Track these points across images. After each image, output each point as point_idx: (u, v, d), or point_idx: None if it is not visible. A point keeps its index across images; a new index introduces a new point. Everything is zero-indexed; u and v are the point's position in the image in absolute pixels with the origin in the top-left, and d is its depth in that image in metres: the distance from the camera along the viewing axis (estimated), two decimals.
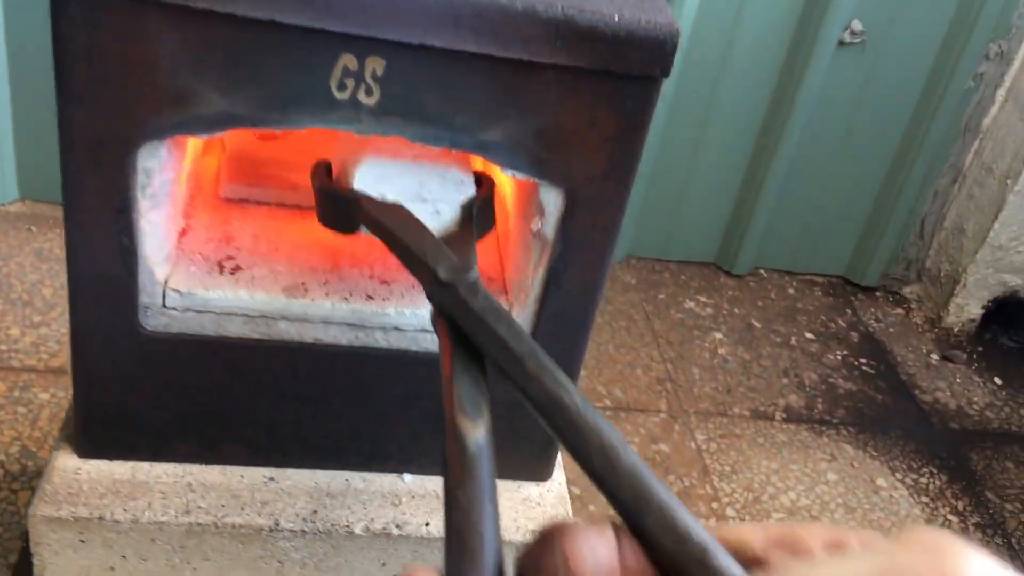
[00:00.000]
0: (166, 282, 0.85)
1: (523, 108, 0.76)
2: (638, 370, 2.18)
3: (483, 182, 0.88)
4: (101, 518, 0.86)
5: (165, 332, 0.85)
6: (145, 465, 0.92)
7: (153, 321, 0.85)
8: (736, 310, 2.55)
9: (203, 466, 0.93)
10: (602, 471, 0.43)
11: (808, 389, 2.37)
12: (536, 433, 0.96)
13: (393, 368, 0.90)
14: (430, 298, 0.63)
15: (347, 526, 0.91)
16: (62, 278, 2.17)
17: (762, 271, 2.69)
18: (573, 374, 0.91)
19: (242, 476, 0.93)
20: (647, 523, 0.38)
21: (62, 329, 2.05)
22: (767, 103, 2.28)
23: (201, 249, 0.90)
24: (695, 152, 2.32)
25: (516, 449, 0.97)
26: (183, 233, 0.91)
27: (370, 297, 0.89)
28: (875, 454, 2.21)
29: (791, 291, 2.69)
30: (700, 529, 0.37)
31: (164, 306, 0.85)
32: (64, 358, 1.96)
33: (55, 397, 1.90)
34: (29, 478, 1.78)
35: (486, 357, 0.57)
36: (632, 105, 0.76)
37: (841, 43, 2.27)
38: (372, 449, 0.95)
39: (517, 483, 0.99)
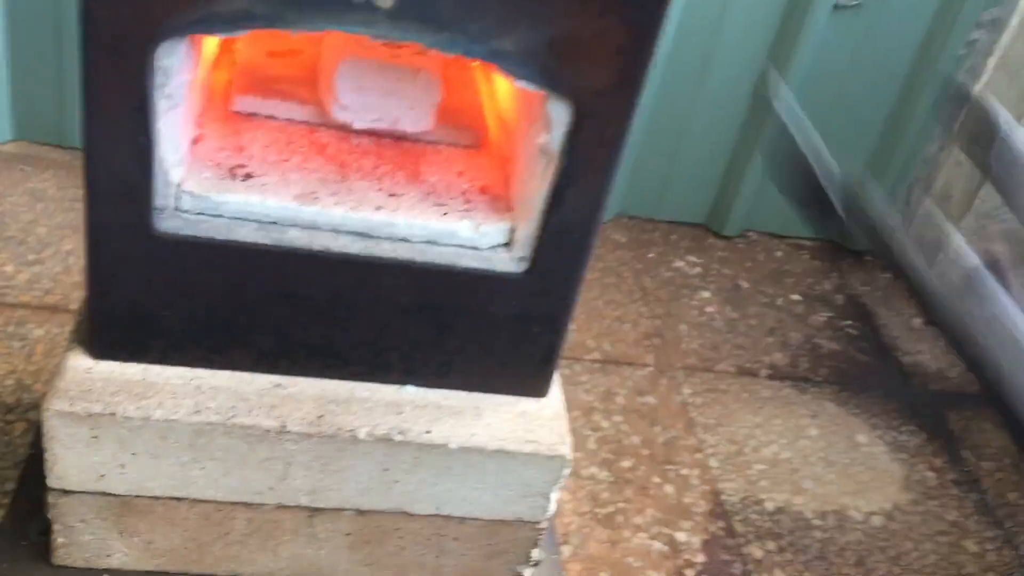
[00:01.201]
0: (180, 185, 0.87)
1: (536, 16, 0.78)
2: (626, 325, 2.20)
3: None
4: (113, 414, 0.89)
5: (178, 234, 0.87)
6: (155, 367, 0.94)
7: (166, 223, 0.87)
8: (725, 270, 2.57)
9: (212, 371, 0.96)
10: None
11: (793, 348, 2.40)
12: (535, 350, 0.99)
13: (399, 278, 0.92)
14: None
15: (351, 431, 0.94)
16: (57, 218, 2.17)
17: (752, 233, 2.71)
18: (572, 294, 0.94)
19: (250, 381, 0.96)
20: None
21: (56, 268, 2.05)
22: (761, 67, 2.29)
23: (213, 157, 0.92)
24: (688, 113, 2.33)
25: (515, 365, 0.99)
26: (195, 141, 0.93)
27: (379, 207, 0.92)
28: (856, 412, 2.24)
29: (779, 254, 2.71)
30: None
31: (177, 209, 0.87)
32: (59, 295, 1.97)
33: (50, 333, 1.91)
34: (24, 410, 1.79)
35: None
36: (641, 16, 0.78)
37: (837, 6, 2.28)
38: (375, 359, 0.97)
39: (516, 398, 1.01)
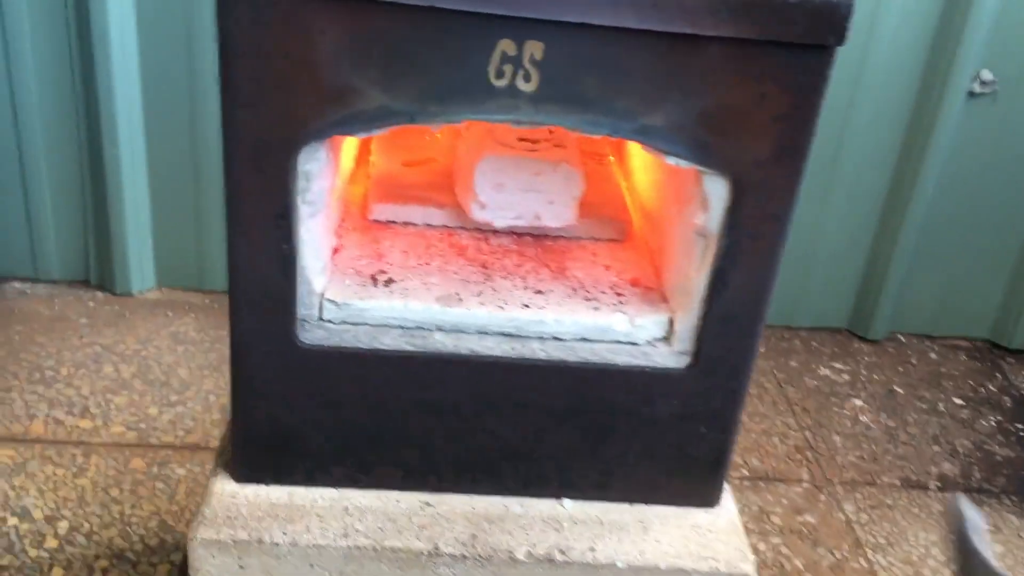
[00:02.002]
0: (322, 294, 0.84)
1: (686, 88, 0.73)
2: (774, 438, 2.08)
3: None
4: (260, 541, 0.84)
5: (322, 346, 0.84)
6: (301, 490, 0.90)
7: (310, 335, 0.84)
8: (875, 376, 2.43)
9: (358, 491, 0.90)
10: None
11: (963, 457, 2.22)
12: (702, 453, 0.90)
13: (551, 380, 0.86)
14: None
15: (508, 551, 0.86)
16: (198, 359, 2.22)
17: (900, 336, 2.56)
18: (742, 388, 0.86)
19: (398, 500, 0.90)
20: None
21: (197, 407, 2.09)
22: (896, 157, 2.20)
23: (354, 265, 0.89)
24: (821, 211, 2.25)
25: (681, 471, 0.91)
26: (335, 251, 0.90)
27: (526, 306, 0.86)
28: None
29: (933, 356, 2.55)
30: None
31: (321, 318, 0.84)
32: (200, 434, 1.99)
33: (191, 472, 1.92)
34: (167, 552, 1.78)
35: None
36: (803, 79, 0.72)
37: (971, 93, 2.19)
38: (529, 470, 0.90)
39: (684, 509, 0.92)
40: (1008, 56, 2.15)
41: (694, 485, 0.92)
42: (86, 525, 1.78)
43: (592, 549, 0.87)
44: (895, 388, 2.39)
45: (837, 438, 2.13)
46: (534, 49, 0.71)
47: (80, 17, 2.07)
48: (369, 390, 0.86)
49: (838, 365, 2.45)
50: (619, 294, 0.90)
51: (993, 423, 2.28)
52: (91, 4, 2.00)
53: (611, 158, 1.12)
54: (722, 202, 0.78)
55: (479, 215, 0.94)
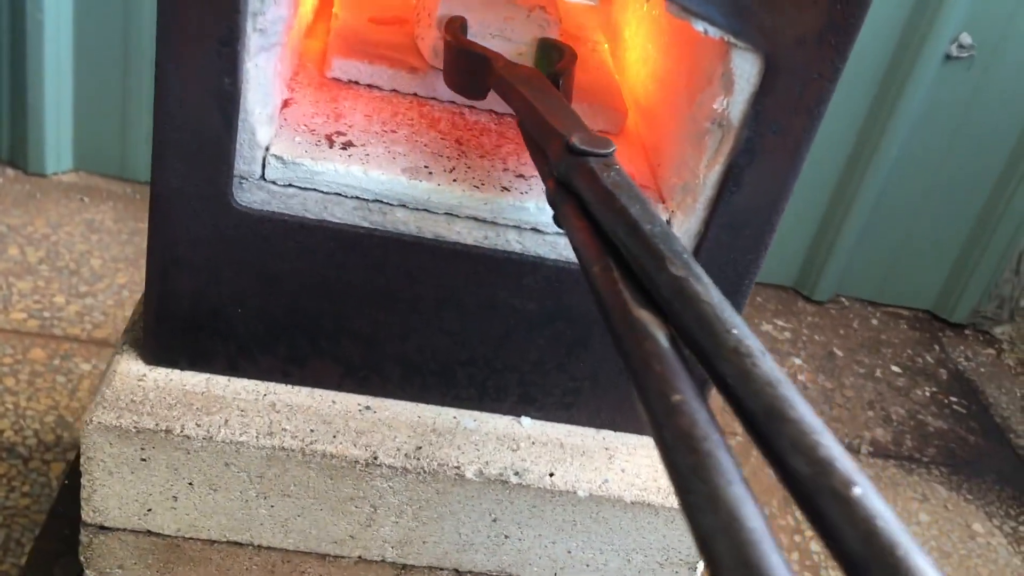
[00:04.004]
0: (268, 148, 0.70)
1: None
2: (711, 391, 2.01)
3: (564, 51, 0.77)
4: (169, 431, 0.71)
5: (261, 210, 0.70)
6: (221, 379, 0.77)
7: (248, 196, 0.70)
8: (816, 337, 2.39)
9: (288, 387, 0.78)
10: (734, 378, 0.37)
11: (895, 424, 2.20)
12: None
13: (525, 278, 0.74)
14: (554, 172, 0.53)
15: (456, 467, 0.75)
16: (112, 250, 2.06)
17: (843, 299, 2.53)
18: (741, 303, 0.76)
19: (334, 401, 0.78)
20: (781, 444, 0.34)
21: (108, 301, 1.94)
22: (863, 117, 2.13)
23: (307, 122, 0.76)
24: None
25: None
26: (285, 105, 0.76)
27: (505, 189, 0.74)
28: (970, 497, 2.03)
29: (874, 322, 2.53)
30: (844, 458, 0.32)
31: (263, 178, 0.71)
32: (109, 330, 1.84)
33: (97, 369, 1.78)
34: (63, 449, 1.64)
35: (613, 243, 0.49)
36: None
37: (948, 57, 2.12)
38: (487, 380, 0.79)
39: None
40: (989, 21, 2.08)
41: None
42: None
43: (551, 474, 0.76)
44: (835, 351, 2.35)
45: None
46: None
47: None
48: (312, 269, 0.73)
49: (780, 322, 2.41)
50: None
51: (928, 394, 2.27)
52: None
53: (605, 46, 1.00)
54: (750, 85, 0.67)
55: (436, 59, 0.83)
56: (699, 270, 0.43)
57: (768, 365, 0.35)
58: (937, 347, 2.46)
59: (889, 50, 2.03)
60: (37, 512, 1.56)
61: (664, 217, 0.75)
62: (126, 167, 2.22)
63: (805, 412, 0.34)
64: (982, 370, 2.44)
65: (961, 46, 2.12)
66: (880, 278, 2.46)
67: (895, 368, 2.36)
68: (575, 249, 0.51)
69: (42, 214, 2.08)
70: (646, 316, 0.42)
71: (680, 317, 0.40)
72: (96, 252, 2.05)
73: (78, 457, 0.75)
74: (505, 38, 0.83)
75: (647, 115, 0.87)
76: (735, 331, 0.38)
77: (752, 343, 0.37)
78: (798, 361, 2.25)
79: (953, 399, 2.30)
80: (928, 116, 2.15)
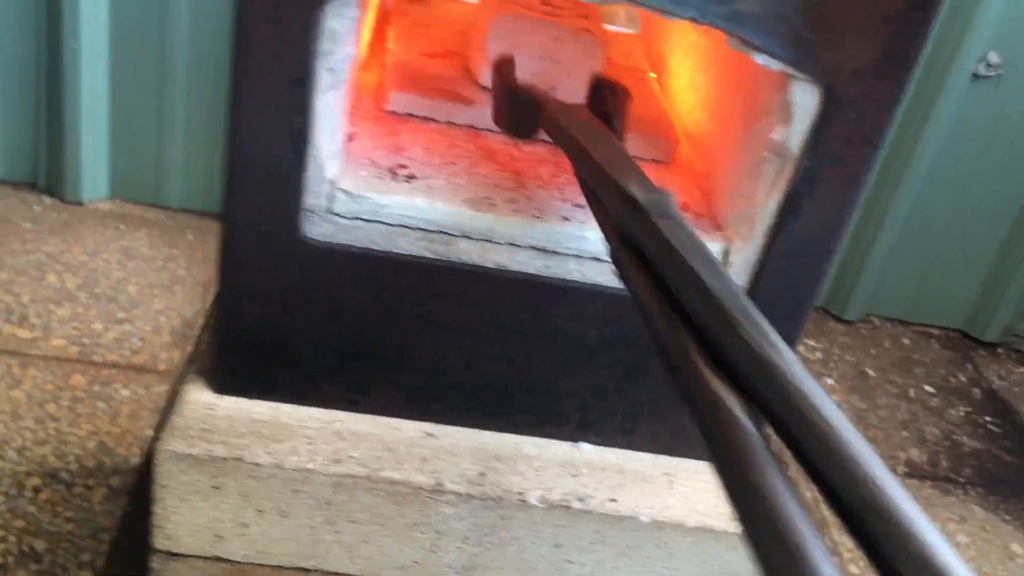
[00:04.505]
0: (334, 182, 0.72)
1: None
2: None
3: (617, 91, 0.77)
4: (240, 459, 0.72)
5: (328, 243, 0.72)
6: (287, 407, 0.78)
7: (316, 229, 0.72)
8: (848, 357, 2.38)
9: (353, 415, 0.79)
10: (817, 455, 0.35)
11: (931, 444, 2.19)
12: None
13: (585, 306, 0.75)
14: (615, 224, 0.52)
15: (520, 493, 0.76)
16: (148, 277, 2.09)
17: (874, 318, 2.52)
18: (798, 330, 0.76)
19: (398, 429, 0.79)
20: (881, 542, 0.32)
21: (146, 327, 1.96)
22: (891, 137, 2.13)
23: (369, 155, 0.77)
24: None
25: None
26: (348, 139, 0.78)
27: (565, 219, 0.76)
28: (1008, 518, 2.01)
29: (906, 341, 2.52)
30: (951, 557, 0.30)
31: (330, 211, 0.72)
32: (147, 355, 1.86)
33: (136, 394, 1.80)
34: (105, 475, 1.65)
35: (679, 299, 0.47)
36: None
37: (975, 76, 2.12)
38: (547, 407, 0.80)
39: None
40: (1017, 40, 2.08)
41: None
42: (18, 440, 1.65)
43: (613, 499, 0.77)
44: (867, 370, 2.35)
45: None
46: None
47: None
48: (378, 299, 0.74)
49: (811, 342, 2.40)
50: None
51: (962, 413, 2.25)
52: None
53: (652, 75, 1.01)
54: (809, 116, 0.68)
55: (487, 78, 0.84)
56: (775, 337, 0.42)
57: (856, 445, 0.34)
58: (970, 366, 2.45)
59: (917, 69, 2.03)
60: (81, 537, 1.58)
61: (721, 246, 0.77)
62: (160, 195, 2.25)
63: (911, 510, 0.32)
64: (1015, 389, 2.42)
65: (989, 65, 2.12)
66: (911, 297, 2.45)
67: (928, 388, 2.35)
68: (640, 307, 0.50)
69: (79, 242, 2.11)
70: (725, 392, 0.40)
71: (760, 391, 0.39)
72: (133, 279, 2.08)
73: (134, 484, 0.76)
74: (554, 60, 0.85)
75: (698, 144, 0.89)
76: (822, 409, 0.36)
77: (839, 422, 0.36)
78: (830, 381, 2.25)
79: (987, 419, 2.28)
80: (956, 135, 2.15)
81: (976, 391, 2.35)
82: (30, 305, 1.94)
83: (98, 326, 1.93)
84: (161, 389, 1.79)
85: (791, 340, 0.76)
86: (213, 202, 2.19)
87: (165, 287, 2.08)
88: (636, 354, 0.77)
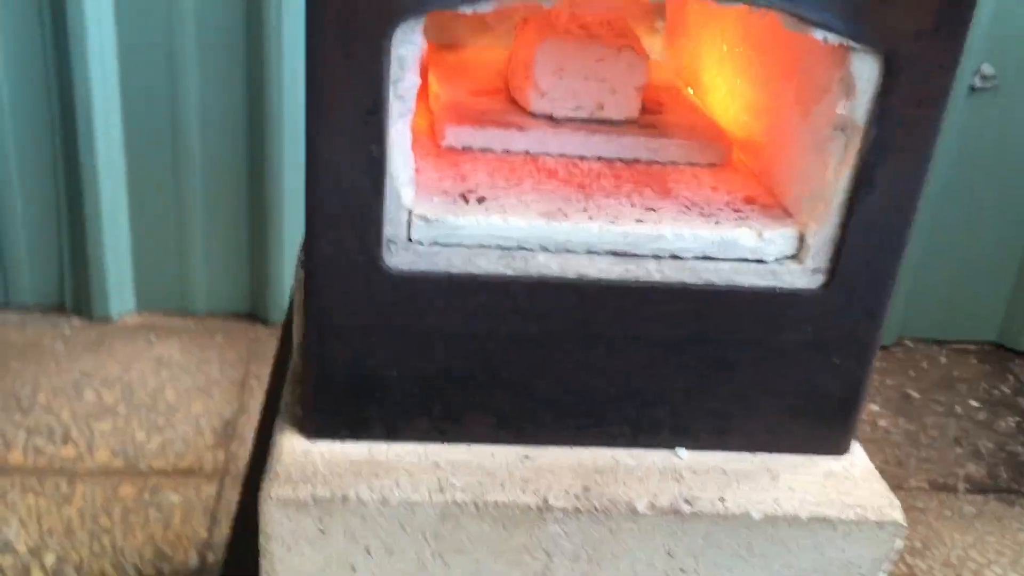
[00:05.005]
0: (411, 210, 0.73)
1: None
2: None
3: None
4: (345, 498, 0.71)
5: (409, 271, 0.72)
6: (381, 446, 0.77)
7: (397, 258, 0.72)
8: (888, 381, 2.37)
9: (445, 445, 0.78)
10: None
11: (987, 458, 2.16)
12: (834, 390, 0.80)
13: (669, 306, 0.75)
14: None
15: (628, 502, 0.75)
16: (184, 382, 2.09)
17: (907, 340, 2.52)
18: (883, 308, 0.76)
19: (492, 454, 0.78)
20: None
21: (187, 430, 1.96)
22: None
23: (437, 185, 0.78)
24: None
25: (809, 412, 0.80)
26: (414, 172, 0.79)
27: (639, 220, 0.76)
28: None
29: (943, 360, 2.51)
30: None
31: (409, 239, 0.73)
32: (192, 459, 1.85)
33: (186, 498, 1.78)
34: None
35: None
36: None
37: (972, 89, 2.16)
38: (640, 415, 0.79)
39: (810, 458, 0.82)
40: (1008, 50, 2.12)
41: (823, 429, 0.81)
42: (75, 556, 1.63)
43: (722, 499, 0.76)
44: (909, 392, 2.33)
45: (858, 444, 2.05)
46: None
47: (56, 24, 1.97)
48: (461, 323, 0.74)
49: None
50: (737, 210, 0.80)
51: (1012, 424, 2.23)
52: (68, 9, 1.90)
53: (689, 90, 1.03)
54: (871, 85, 0.69)
55: (538, 104, 0.87)
56: None
57: None
58: (1011, 376, 2.43)
59: None
60: None
61: (796, 231, 0.77)
62: (186, 302, 2.26)
63: None
64: None
65: (984, 77, 2.16)
66: (941, 315, 2.45)
67: (973, 403, 2.33)
68: None
69: (112, 356, 2.11)
70: None
71: None
72: (169, 386, 2.08)
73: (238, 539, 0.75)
74: (599, 79, 0.87)
75: (748, 146, 0.90)
76: None
77: None
78: (875, 407, 2.23)
79: None
80: (962, 149, 2.18)
81: (1021, 400, 2.34)
82: (72, 423, 1.94)
83: (140, 435, 1.92)
84: (210, 490, 1.77)
85: (877, 315, 0.76)
86: (238, 304, 2.20)
87: (201, 390, 2.07)
88: (719, 349, 0.77)
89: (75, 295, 2.22)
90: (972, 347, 2.55)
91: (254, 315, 2.25)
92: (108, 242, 2.12)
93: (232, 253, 2.15)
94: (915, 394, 2.35)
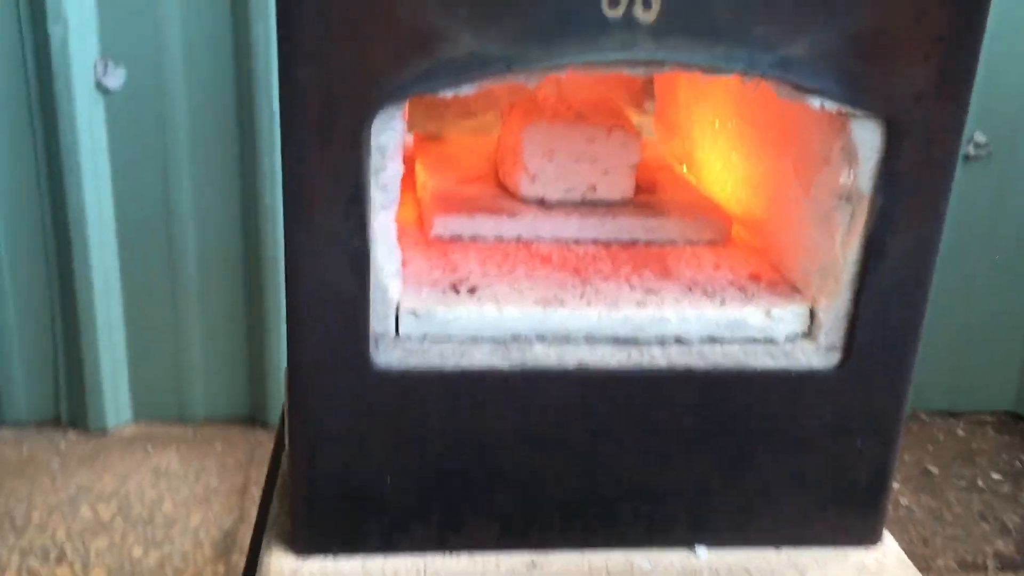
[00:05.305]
0: (398, 304, 0.69)
1: (834, 7, 0.62)
2: None
3: None
4: None
5: (399, 368, 0.68)
6: (376, 559, 0.72)
7: (385, 356, 0.68)
8: (906, 457, 2.31)
9: (446, 556, 0.73)
10: None
11: (1014, 533, 2.09)
12: (860, 475, 0.75)
13: (676, 393, 0.71)
14: None
15: None
16: (182, 492, 2.03)
17: (922, 414, 2.46)
18: (905, 385, 0.72)
19: (497, 564, 0.72)
20: None
21: (186, 544, 1.89)
22: None
23: (426, 277, 0.74)
24: None
25: (835, 501, 0.75)
26: (401, 264, 0.76)
27: (640, 304, 0.72)
28: None
29: (960, 432, 2.45)
30: None
31: (398, 334, 0.69)
32: (191, 572, 1.79)
33: None
34: None
35: None
36: None
37: (966, 158, 2.15)
38: (654, 512, 0.74)
39: (840, 550, 0.76)
40: (999, 117, 2.12)
41: (851, 518, 0.76)
42: None
43: None
44: (929, 467, 2.27)
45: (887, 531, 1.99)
46: None
47: (49, 141, 1.97)
48: (457, 421, 0.70)
49: None
50: (742, 288, 0.76)
51: None
52: (60, 123, 1.90)
53: (684, 167, 1.00)
54: (874, 152, 0.66)
55: (528, 189, 0.84)
56: None
57: None
58: None
59: None
60: None
61: (806, 308, 0.73)
62: (184, 411, 2.22)
63: None
64: None
65: (977, 145, 2.15)
66: (954, 387, 2.40)
67: (995, 475, 2.26)
68: None
69: (108, 469, 2.06)
70: None
71: None
72: (166, 497, 2.02)
73: None
74: (590, 160, 0.84)
75: (748, 221, 0.87)
76: None
77: None
78: (896, 485, 2.16)
79: None
80: (959, 218, 2.15)
81: None
82: (66, 541, 1.87)
83: (137, 551, 1.85)
84: None
85: (899, 392, 0.72)
86: (237, 408, 2.15)
87: (200, 500, 2.01)
88: (739, 440, 0.72)
89: (71, 408, 2.18)
90: (989, 417, 2.49)
91: (254, 418, 2.20)
92: (104, 353, 2.08)
93: (230, 357, 2.11)
94: (935, 469, 2.28)
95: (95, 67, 1.87)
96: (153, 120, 1.91)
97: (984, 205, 2.14)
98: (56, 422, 2.19)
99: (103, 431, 2.16)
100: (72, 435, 2.17)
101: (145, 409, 2.19)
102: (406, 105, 0.64)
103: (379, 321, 0.67)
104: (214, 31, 1.88)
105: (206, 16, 1.87)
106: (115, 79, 1.88)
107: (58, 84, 1.85)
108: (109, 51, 1.88)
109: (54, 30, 1.82)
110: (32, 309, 2.07)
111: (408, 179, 0.91)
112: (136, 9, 1.85)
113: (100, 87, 1.87)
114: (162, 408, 2.18)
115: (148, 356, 2.12)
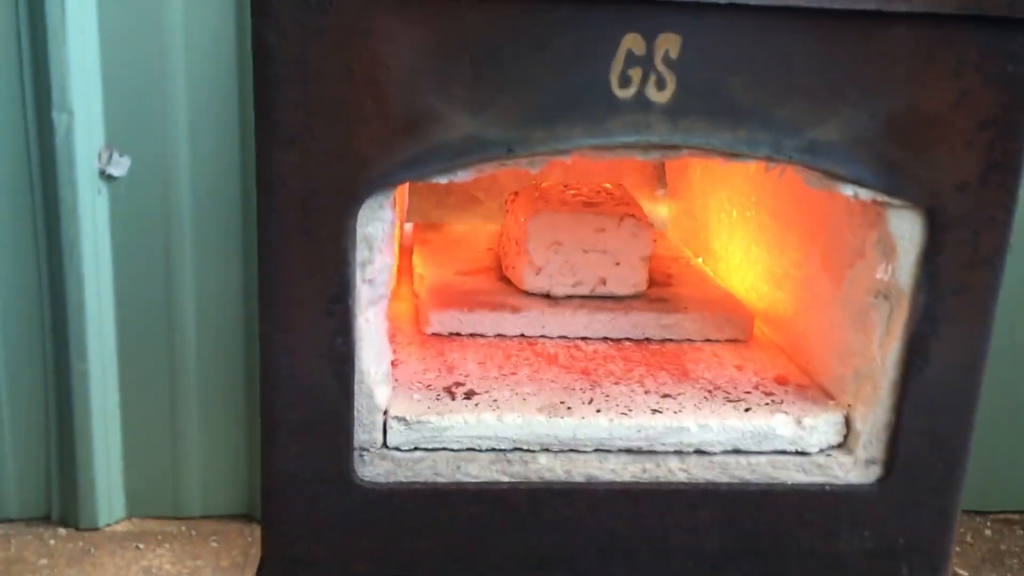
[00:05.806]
0: (386, 411, 0.62)
1: (867, 87, 0.56)
2: None
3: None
4: None
5: (386, 483, 0.61)
6: None
7: (371, 469, 0.61)
8: None
9: None
10: None
11: None
12: None
13: (697, 511, 0.63)
14: None
15: None
16: None
17: None
18: (954, 504, 0.64)
19: None
20: None
21: None
22: None
23: (419, 379, 0.68)
24: None
25: None
26: (392, 365, 0.69)
27: (656, 411, 0.65)
28: None
29: (988, 532, 2.32)
30: None
31: (385, 445, 0.62)
32: None
33: None
34: None
35: None
36: (1016, 68, 0.56)
37: None
38: None
39: None
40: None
41: None
42: None
43: None
44: (958, 571, 2.15)
45: None
46: (668, 44, 0.55)
47: (50, 229, 1.93)
48: (453, 541, 0.62)
49: None
50: (768, 393, 0.69)
51: None
52: (62, 210, 1.86)
53: (699, 260, 0.94)
54: (914, 245, 0.60)
55: (533, 283, 0.78)
56: None
57: None
58: None
59: None
60: None
61: (840, 416, 0.66)
62: (179, 506, 2.13)
63: None
64: None
65: None
66: (978, 485, 2.29)
67: None
68: None
69: (98, 569, 1.96)
70: None
71: None
72: None
73: None
74: (600, 251, 0.78)
75: (771, 319, 0.80)
76: None
77: None
78: None
79: None
80: None
81: None
82: None
83: None
84: None
85: (948, 511, 0.64)
86: (234, 505, 2.06)
87: None
88: (768, 563, 0.64)
89: (62, 505, 2.09)
90: (1016, 516, 2.38)
91: (250, 516, 2.10)
92: (98, 448, 2.00)
93: (229, 451, 2.03)
94: (964, 572, 2.16)
95: (99, 155, 1.84)
96: (157, 208, 1.87)
97: (1010, 296, 2.07)
98: (47, 519, 2.10)
99: (94, 528, 2.07)
100: (62, 532, 2.08)
101: (139, 505, 2.11)
102: (397, 192, 0.58)
103: (364, 430, 0.60)
104: (219, 117, 1.85)
105: (213, 102, 1.84)
106: (120, 167, 1.85)
107: (61, 172, 1.81)
108: (114, 139, 1.85)
109: (59, 118, 1.79)
110: (25, 401, 2.00)
111: (406, 270, 0.85)
112: (142, 95, 1.83)
113: (104, 175, 1.84)
114: (157, 504, 2.10)
115: (144, 452, 2.04)
